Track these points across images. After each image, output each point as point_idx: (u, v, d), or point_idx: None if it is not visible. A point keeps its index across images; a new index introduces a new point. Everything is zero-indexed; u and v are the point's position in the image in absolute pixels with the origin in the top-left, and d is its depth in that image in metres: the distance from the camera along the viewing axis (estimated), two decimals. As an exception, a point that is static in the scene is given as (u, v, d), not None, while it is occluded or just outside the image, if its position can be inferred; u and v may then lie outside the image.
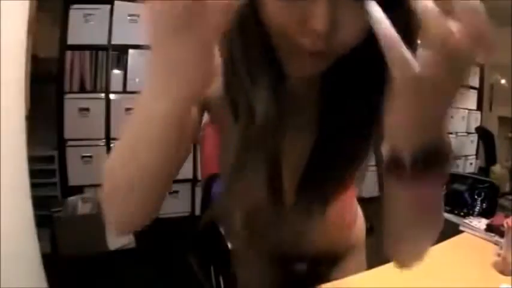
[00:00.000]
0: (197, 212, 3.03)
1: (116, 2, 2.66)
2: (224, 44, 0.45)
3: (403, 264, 0.61)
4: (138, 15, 2.73)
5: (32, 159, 0.96)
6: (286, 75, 0.47)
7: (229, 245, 1.37)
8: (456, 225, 1.53)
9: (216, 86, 0.49)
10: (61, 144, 2.64)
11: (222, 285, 1.45)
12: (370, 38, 0.37)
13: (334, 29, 0.40)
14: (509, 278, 1.02)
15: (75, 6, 2.58)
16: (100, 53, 2.72)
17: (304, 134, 0.55)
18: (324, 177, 0.55)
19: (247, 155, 0.50)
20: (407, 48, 0.33)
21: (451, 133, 4.88)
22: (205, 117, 0.68)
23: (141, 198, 0.46)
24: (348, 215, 0.91)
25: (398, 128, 0.39)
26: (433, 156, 0.40)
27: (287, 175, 0.56)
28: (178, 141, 0.42)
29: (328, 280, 0.95)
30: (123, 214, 0.49)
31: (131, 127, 0.42)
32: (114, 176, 0.46)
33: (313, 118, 0.54)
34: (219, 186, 1.63)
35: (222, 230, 1.45)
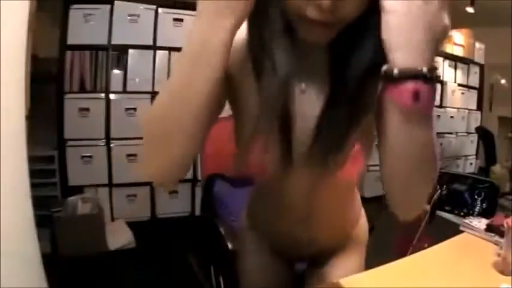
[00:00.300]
0: (197, 212, 3.03)
1: (115, 2, 2.66)
2: (251, 15, 0.52)
3: (404, 214, 0.66)
4: (138, 15, 2.73)
5: (32, 159, 0.96)
6: (302, 40, 0.55)
7: (229, 245, 1.38)
8: (456, 225, 1.53)
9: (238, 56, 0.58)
10: (61, 144, 2.64)
11: (222, 285, 1.45)
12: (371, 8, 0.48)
13: (339, 3, 0.47)
14: (509, 278, 1.02)
15: (75, 6, 2.57)
16: (100, 53, 2.72)
17: (317, 92, 0.63)
18: (337, 126, 0.61)
19: (266, 112, 0.58)
20: None
21: (451, 133, 4.88)
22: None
23: (177, 148, 0.55)
24: (352, 214, 0.96)
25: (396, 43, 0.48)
26: (427, 74, 0.48)
27: (302, 130, 0.63)
28: (220, 82, 0.52)
29: (326, 279, 0.97)
30: (161, 165, 0.59)
31: (180, 74, 0.53)
32: (153, 128, 0.58)
33: (325, 74, 0.61)
34: (219, 186, 1.64)
35: (222, 230, 1.45)
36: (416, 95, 0.48)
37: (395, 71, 0.48)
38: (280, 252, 0.99)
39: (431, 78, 0.48)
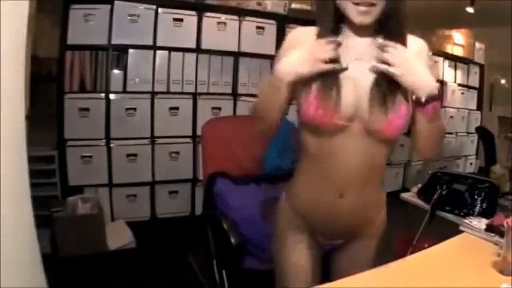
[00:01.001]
0: (197, 211, 3.03)
1: (115, 2, 2.65)
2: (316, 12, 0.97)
3: (428, 156, 1.10)
4: (138, 15, 2.73)
5: (32, 159, 0.96)
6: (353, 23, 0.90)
7: (233, 240, 1.40)
8: (456, 225, 1.53)
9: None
10: (61, 144, 2.64)
11: (225, 280, 1.46)
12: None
13: None
14: (509, 278, 1.02)
15: (75, 6, 2.57)
16: (100, 53, 2.72)
17: (368, 61, 0.93)
18: (386, 89, 0.92)
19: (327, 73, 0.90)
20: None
21: (451, 133, 4.89)
22: (205, 119, 1.41)
23: (270, 115, 1.00)
24: (380, 197, 1.11)
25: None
26: (437, 97, 0.90)
27: (354, 91, 0.93)
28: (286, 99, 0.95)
29: (352, 260, 1.13)
30: (263, 125, 1.06)
31: (266, 93, 0.99)
32: (257, 110, 1.03)
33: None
34: (220, 184, 1.65)
35: (225, 226, 1.46)
36: (434, 109, 0.92)
37: (423, 100, 0.90)
38: (315, 232, 1.11)
39: (439, 96, 0.90)
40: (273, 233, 1.17)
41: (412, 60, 0.89)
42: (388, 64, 0.88)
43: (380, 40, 0.91)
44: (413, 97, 0.90)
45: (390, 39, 0.90)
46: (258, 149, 1.82)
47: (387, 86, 0.91)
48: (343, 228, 1.09)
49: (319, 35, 0.94)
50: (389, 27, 0.91)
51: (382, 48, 0.89)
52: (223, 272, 1.51)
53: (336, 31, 0.93)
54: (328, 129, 0.94)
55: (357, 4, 0.86)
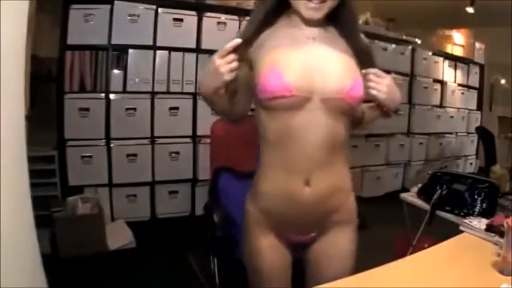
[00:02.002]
0: (197, 212, 3.03)
1: (115, 2, 2.65)
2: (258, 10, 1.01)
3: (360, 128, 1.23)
4: (138, 15, 2.73)
5: (32, 159, 0.96)
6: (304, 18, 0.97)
7: (218, 233, 1.43)
8: (456, 225, 1.53)
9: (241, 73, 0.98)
10: (61, 144, 2.64)
11: (216, 268, 1.52)
12: None
13: None
14: (509, 278, 1.02)
15: (75, 6, 2.57)
16: (100, 53, 2.72)
17: (321, 42, 1.00)
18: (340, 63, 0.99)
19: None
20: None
21: (451, 133, 4.89)
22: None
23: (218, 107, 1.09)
24: (347, 179, 1.09)
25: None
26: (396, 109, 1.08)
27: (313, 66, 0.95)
28: (220, 98, 1.01)
29: (328, 250, 1.10)
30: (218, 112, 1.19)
31: (203, 87, 1.02)
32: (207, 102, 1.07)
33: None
34: (224, 178, 1.72)
35: (214, 218, 1.51)
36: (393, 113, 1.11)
37: (391, 113, 1.11)
38: (284, 230, 1.08)
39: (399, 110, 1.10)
40: (244, 236, 1.14)
41: (391, 84, 1.04)
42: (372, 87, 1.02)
43: (363, 71, 1.01)
44: (385, 109, 1.09)
45: (346, 28, 1.01)
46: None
47: (343, 61, 0.99)
48: (313, 218, 1.05)
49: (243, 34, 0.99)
50: (341, 20, 1.00)
51: (366, 75, 1.00)
52: (215, 261, 1.55)
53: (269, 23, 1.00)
54: (285, 104, 0.93)
55: (308, 0, 0.92)
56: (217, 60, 0.93)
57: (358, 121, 1.17)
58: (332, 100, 0.94)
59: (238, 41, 0.92)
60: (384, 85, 1.02)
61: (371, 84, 1.00)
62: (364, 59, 1.02)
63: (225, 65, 0.92)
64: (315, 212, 1.04)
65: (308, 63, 0.94)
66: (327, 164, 0.99)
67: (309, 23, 0.98)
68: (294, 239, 1.11)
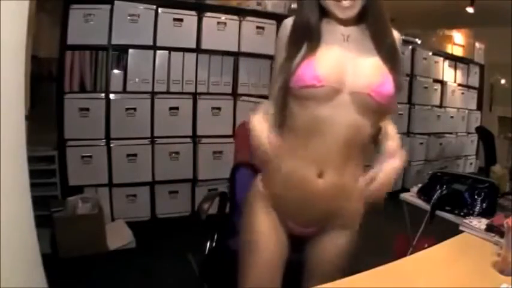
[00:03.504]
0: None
1: (115, 2, 2.65)
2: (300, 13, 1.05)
3: None
4: (138, 15, 2.73)
5: (32, 159, 0.96)
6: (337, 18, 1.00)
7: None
8: (456, 225, 1.53)
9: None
10: (61, 144, 2.64)
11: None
12: None
13: None
14: (509, 278, 1.02)
15: (75, 6, 2.57)
16: (100, 53, 2.72)
17: (356, 40, 1.02)
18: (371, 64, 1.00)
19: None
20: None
21: (451, 133, 4.89)
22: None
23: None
24: (359, 187, 1.05)
25: None
26: None
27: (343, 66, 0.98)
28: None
29: (326, 249, 1.10)
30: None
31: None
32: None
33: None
34: (242, 172, 1.80)
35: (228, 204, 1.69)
36: None
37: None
38: (287, 218, 1.09)
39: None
40: (244, 216, 1.15)
41: (391, 180, 1.04)
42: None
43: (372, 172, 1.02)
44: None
45: (374, 29, 1.02)
46: None
47: (375, 60, 1.00)
48: (318, 212, 1.06)
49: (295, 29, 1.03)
50: (372, 17, 1.01)
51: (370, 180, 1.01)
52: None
53: (317, 26, 1.01)
54: (315, 94, 0.95)
55: (339, 0, 0.95)
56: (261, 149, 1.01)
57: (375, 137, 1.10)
58: (360, 94, 0.96)
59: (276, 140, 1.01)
60: (386, 186, 1.03)
61: (374, 187, 1.02)
62: (392, 61, 1.01)
63: (268, 153, 1.01)
64: (321, 206, 1.04)
65: (341, 58, 0.98)
66: (343, 160, 1.00)
67: (344, 22, 1.01)
68: (294, 229, 1.11)
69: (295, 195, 1.04)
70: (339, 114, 0.97)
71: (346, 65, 0.97)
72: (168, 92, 2.90)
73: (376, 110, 0.99)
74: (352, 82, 0.96)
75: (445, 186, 1.89)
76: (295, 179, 1.02)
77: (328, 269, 1.10)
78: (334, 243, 1.11)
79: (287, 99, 1.02)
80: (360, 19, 1.01)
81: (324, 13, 1.01)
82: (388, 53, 1.01)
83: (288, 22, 1.07)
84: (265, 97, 3.82)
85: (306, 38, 1.00)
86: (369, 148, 1.07)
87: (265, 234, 1.09)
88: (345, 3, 0.96)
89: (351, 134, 0.98)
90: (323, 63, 0.96)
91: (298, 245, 1.15)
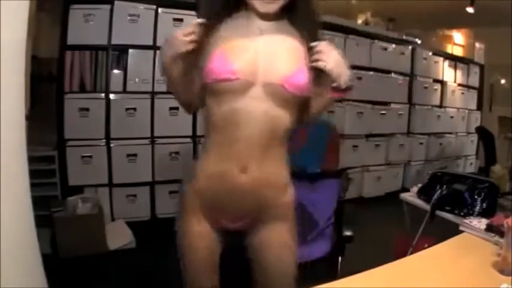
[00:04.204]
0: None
1: (115, 2, 2.65)
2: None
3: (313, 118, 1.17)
4: (138, 15, 2.73)
5: (32, 159, 0.96)
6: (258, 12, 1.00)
7: None
8: (456, 225, 1.53)
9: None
10: (61, 144, 2.64)
11: None
12: None
13: None
14: (509, 278, 1.02)
15: (75, 6, 2.57)
16: (100, 53, 2.72)
17: (271, 33, 1.02)
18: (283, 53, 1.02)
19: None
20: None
21: (451, 133, 4.89)
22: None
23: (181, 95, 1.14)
24: (283, 173, 1.09)
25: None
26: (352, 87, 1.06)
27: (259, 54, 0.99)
28: (178, 74, 1.04)
29: (264, 241, 1.10)
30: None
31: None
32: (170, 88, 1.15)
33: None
34: None
35: None
36: (345, 94, 1.08)
37: (343, 87, 1.04)
38: (218, 217, 1.10)
39: (352, 86, 1.06)
40: (176, 215, 1.16)
41: (338, 57, 1.01)
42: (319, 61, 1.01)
43: (312, 44, 1.01)
44: (334, 84, 1.03)
45: (298, 23, 1.02)
46: (289, 148, 1.93)
47: (290, 51, 1.01)
48: (245, 207, 1.07)
49: (204, 16, 1.00)
50: (297, 12, 1.01)
51: (313, 48, 1.00)
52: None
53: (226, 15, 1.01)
54: (229, 87, 0.96)
55: None
56: (176, 32, 0.98)
57: (307, 112, 1.13)
58: (273, 85, 0.96)
59: (201, 20, 0.97)
60: (331, 57, 1.00)
61: (317, 56, 1.00)
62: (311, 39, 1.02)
63: (182, 36, 0.97)
64: (248, 200, 1.05)
65: (254, 50, 0.97)
66: (265, 154, 1.01)
67: (264, 16, 1.00)
68: (226, 225, 1.12)
69: (220, 192, 1.04)
70: (255, 106, 0.97)
71: (260, 56, 0.97)
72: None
73: (292, 100, 1.00)
74: (265, 73, 0.96)
75: (445, 186, 1.89)
76: (218, 176, 1.02)
77: (270, 259, 1.10)
78: (270, 235, 1.10)
79: (206, 97, 1.03)
80: (282, 14, 1.01)
81: (245, 6, 1.01)
82: (311, 37, 1.01)
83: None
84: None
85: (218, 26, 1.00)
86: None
87: (195, 237, 1.10)
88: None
89: (269, 126, 0.99)
90: (236, 55, 0.96)
91: (238, 238, 1.16)
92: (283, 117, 1.01)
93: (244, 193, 1.03)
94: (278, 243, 1.11)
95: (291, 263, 1.12)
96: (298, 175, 1.92)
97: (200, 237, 1.10)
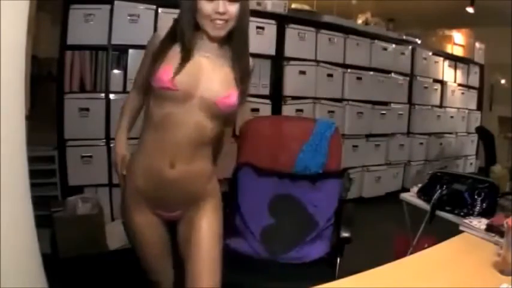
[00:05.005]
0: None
1: (115, 2, 2.65)
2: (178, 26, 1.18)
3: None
4: (138, 15, 2.73)
5: (32, 159, 0.96)
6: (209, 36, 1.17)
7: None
8: (456, 225, 1.53)
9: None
10: (61, 144, 2.64)
11: None
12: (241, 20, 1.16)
13: (228, 13, 1.11)
14: (509, 278, 1.02)
15: (75, 6, 2.57)
16: (100, 53, 2.71)
17: (214, 58, 1.20)
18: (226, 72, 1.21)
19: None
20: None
21: (451, 133, 4.89)
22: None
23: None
24: (208, 167, 1.27)
25: None
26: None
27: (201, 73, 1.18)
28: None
29: (194, 224, 1.25)
30: None
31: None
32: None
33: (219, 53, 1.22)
34: (244, 172, 1.95)
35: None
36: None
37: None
38: (154, 206, 1.26)
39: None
40: (121, 210, 1.35)
41: None
42: None
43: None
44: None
45: (235, 50, 1.20)
46: (291, 147, 2.02)
47: (226, 76, 1.19)
48: (177, 198, 1.24)
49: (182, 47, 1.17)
50: (236, 39, 1.19)
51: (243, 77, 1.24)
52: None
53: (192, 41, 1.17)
54: (171, 96, 1.13)
55: (213, 21, 1.11)
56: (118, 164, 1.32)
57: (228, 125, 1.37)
58: (208, 102, 1.15)
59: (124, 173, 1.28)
60: None
61: None
62: (243, 78, 1.21)
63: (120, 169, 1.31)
64: (178, 192, 1.22)
65: (198, 69, 1.16)
66: (192, 154, 1.19)
67: (212, 39, 1.17)
68: (164, 215, 1.28)
69: (153, 185, 1.21)
70: (189, 114, 1.15)
71: (201, 76, 1.15)
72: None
73: (219, 115, 1.19)
74: (204, 90, 1.14)
75: (445, 186, 1.89)
76: (152, 170, 1.20)
77: (201, 227, 1.25)
78: (200, 217, 1.26)
79: (149, 98, 1.21)
80: (225, 39, 1.19)
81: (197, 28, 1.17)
82: (241, 74, 1.20)
83: (161, 34, 1.23)
84: (264, 97, 3.82)
85: (174, 45, 1.17)
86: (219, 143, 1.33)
87: (142, 226, 1.28)
88: (218, 23, 1.12)
89: (197, 132, 1.17)
90: (182, 71, 1.13)
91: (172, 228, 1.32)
92: (210, 127, 1.19)
93: (173, 185, 1.20)
94: (205, 224, 1.26)
95: (215, 240, 1.26)
96: (300, 175, 1.95)
97: (148, 228, 1.29)
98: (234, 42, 1.20)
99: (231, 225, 1.63)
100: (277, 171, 1.98)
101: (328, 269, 1.66)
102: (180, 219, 1.30)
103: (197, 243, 1.23)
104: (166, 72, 1.13)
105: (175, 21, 1.20)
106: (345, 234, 1.68)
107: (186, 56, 1.15)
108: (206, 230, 1.25)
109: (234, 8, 1.12)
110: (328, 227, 1.83)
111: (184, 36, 1.15)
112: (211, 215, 1.28)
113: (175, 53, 1.16)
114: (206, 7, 1.10)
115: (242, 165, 1.97)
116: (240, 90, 1.19)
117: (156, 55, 1.17)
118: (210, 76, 1.17)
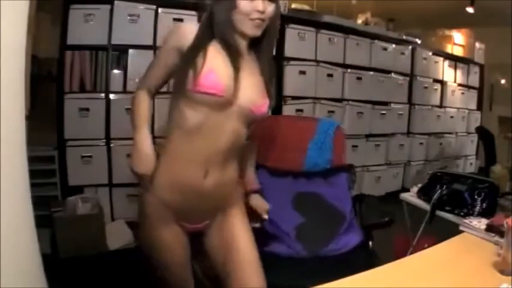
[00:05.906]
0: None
1: (115, 2, 2.65)
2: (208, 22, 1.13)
3: None
4: (138, 15, 2.73)
5: (32, 159, 0.96)
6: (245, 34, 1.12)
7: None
8: (456, 225, 1.53)
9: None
10: (61, 144, 2.64)
11: None
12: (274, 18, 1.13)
13: (266, 12, 1.07)
14: (509, 278, 1.02)
15: (75, 6, 2.57)
16: (100, 53, 2.71)
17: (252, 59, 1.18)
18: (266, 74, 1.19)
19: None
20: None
21: (451, 133, 4.89)
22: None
23: None
24: (235, 178, 1.25)
25: None
26: None
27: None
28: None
29: (224, 229, 1.24)
30: None
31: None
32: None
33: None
34: (259, 173, 1.84)
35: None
36: None
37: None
38: (181, 219, 1.21)
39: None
40: (140, 226, 1.27)
41: None
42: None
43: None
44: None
45: (265, 50, 1.18)
46: (299, 146, 2.05)
47: (259, 81, 1.16)
48: (208, 207, 1.21)
49: (225, 45, 1.11)
50: (266, 42, 1.17)
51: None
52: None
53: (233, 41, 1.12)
54: (214, 101, 1.07)
55: (252, 19, 1.07)
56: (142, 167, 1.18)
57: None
58: (246, 109, 1.12)
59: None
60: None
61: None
62: (271, 83, 1.19)
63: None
64: (210, 201, 1.19)
65: (238, 75, 1.10)
66: (225, 160, 1.16)
67: (246, 39, 1.13)
68: (188, 227, 1.23)
69: (183, 196, 1.15)
70: (228, 121, 1.11)
71: (241, 80, 1.10)
72: (168, 92, 2.87)
73: (251, 122, 1.18)
74: (243, 97, 1.10)
75: (445, 186, 1.89)
76: (183, 180, 1.14)
77: (242, 244, 1.23)
78: (233, 222, 1.24)
79: (179, 100, 1.13)
80: (252, 41, 1.15)
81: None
82: (269, 76, 1.18)
83: (190, 28, 1.13)
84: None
85: (211, 43, 1.10)
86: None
87: (168, 242, 1.21)
88: (257, 22, 1.07)
89: (234, 139, 1.14)
90: (226, 77, 1.07)
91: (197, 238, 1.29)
92: (243, 134, 1.17)
93: (207, 195, 1.15)
94: (239, 219, 1.26)
95: (251, 233, 1.26)
96: (313, 172, 1.97)
97: (174, 243, 1.22)
98: (263, 44, 1.16)
99: (261, 232, 1.60)
100: (290, 171, 2.01)
101: (364, 254, 1.75)
102: (208, 228, 1.26)
103: (239, 248, 1.21)
104: (210, 76, 1.05)
105: (208, 17, 1.12)
106: (386, 219, 1.82)
107: (237, 61, 1.09)
108: (244, 234, 1.23)
109: (271, 8, 1.09)
110: (353, 217, 1.92)
111: (226, 35, 1.09)
112: (243, 219, 1.26)
113: (214, 53, 1.08)
114: (245, 5, 1.05)
115: (256, 168, 1.96)
116: (270, 97, 1.17)
117: (191, 54, 1.08)
118: (247, 82, 1.12)
